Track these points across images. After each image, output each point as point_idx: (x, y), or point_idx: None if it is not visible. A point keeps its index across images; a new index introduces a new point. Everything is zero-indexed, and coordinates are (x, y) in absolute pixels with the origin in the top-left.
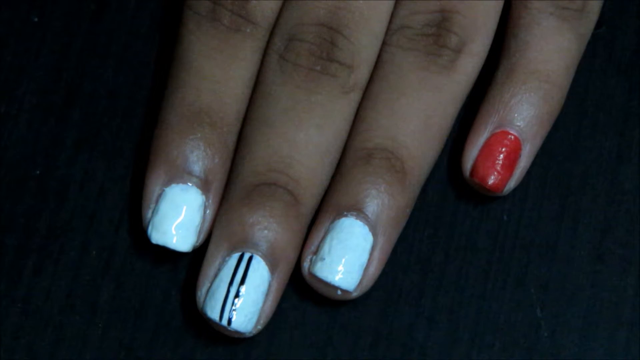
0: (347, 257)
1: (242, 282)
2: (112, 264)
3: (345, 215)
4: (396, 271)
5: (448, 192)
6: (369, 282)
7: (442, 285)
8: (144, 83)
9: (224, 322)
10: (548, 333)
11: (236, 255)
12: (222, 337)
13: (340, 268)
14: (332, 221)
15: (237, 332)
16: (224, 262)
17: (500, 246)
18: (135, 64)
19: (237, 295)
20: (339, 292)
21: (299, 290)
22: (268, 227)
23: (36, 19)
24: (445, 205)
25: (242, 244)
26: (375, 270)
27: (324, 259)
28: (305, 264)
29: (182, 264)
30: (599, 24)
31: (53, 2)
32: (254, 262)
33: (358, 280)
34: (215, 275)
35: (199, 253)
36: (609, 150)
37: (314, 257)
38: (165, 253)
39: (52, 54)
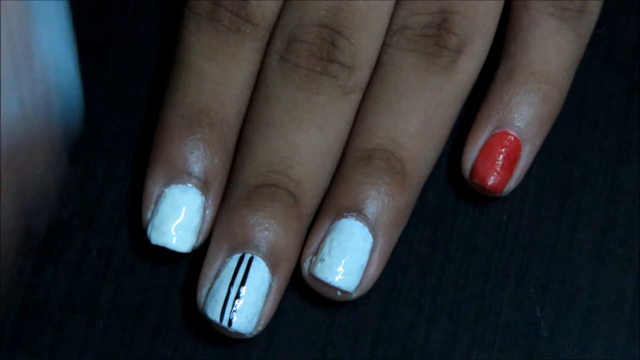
0: (347, 259)
1: (243, 283)
2: (112, 264)
3: (345, 216)
4: (396, 271)
5: (448, 192)
6: (368, 283)
7: (442, 285)
8: (144, 83)
9: (225, 323)
10: (548, 333)
11: (237, 257)
12: (222, 337)
13: (340, 269)
14: (332, 222)
15: (237, 333)
16: (224, 263)
17: (500, 246)
18: (135, 64)
19: (237, 297)
20: (339, 293)
21: (299, 290)
22: (269, 229)
23: None
24: (445, 205)
25: (243, 245)
26: (375, 272)
27: (324, 260)
28: (305, 265)
29: (182, 264)
30: (598, 24)
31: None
32: (254, 263)
33: (358, 282)
34: (216, 276)
35: (199, 253)
36: (609, 150)
37: (314, 258)
38: (165, 253)
39: None
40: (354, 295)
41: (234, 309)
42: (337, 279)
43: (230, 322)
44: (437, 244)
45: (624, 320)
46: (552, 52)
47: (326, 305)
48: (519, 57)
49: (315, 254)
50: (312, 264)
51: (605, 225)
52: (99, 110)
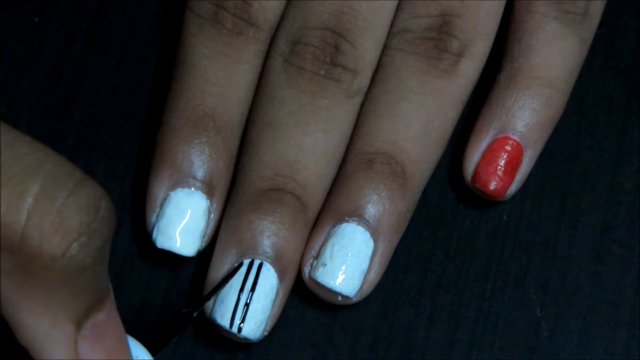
0: (349, 264)
1: (253, 289)
2: (112, 264)
3: (347, 221)
4: (396, 271)
5: (448, 192)
6: (369, 288)
7: (442, 285)
8: (144, 83)
9: (234, 329)
10: (548, 333)
11: (246, 262)
12: (222, 338)
13: (341, 274)
14: (333, 226)
15: (245, 339)
16: (232, 267)
17: (500, 246)
18: (135, 64)
19: (247, 303)
20: (339, 297)
21: (299, 291)
22: (277, 234)
23: (36, 19)
24: (445, 206)
25: (252, 251)
26: (375, 276)
27: (326, 264)
28: (306, 269)
29: (182, 264)
30: (599, 25)
31: (53, 2)
32: (264, 269)
33: (359, 286)
34: None
35: (200, 254)
36: (609, 150)
37: (315, 262)
38: (166, 254)
39: (52, 54)
40: (354, 300)
41: (244, 315)
42: (338, 283)
43: (240, 329)
44: (437, 244)
45: (624, 320)
46: (556, 56)
47: (326, 305)
48: (522, 61)
49: (316, 257)
50: (313, 268)
51: (605, 225)
52: (99, 110)
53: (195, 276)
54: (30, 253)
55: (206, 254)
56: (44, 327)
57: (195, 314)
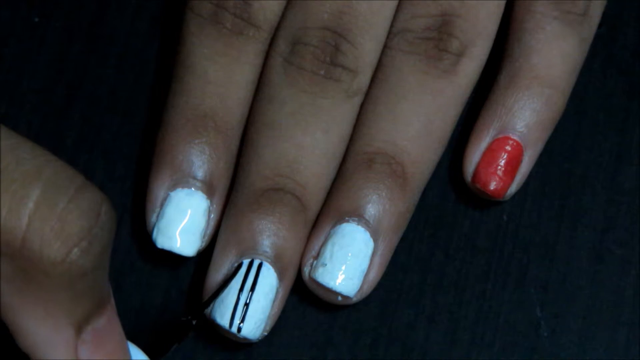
0: (349, 263)
1: (252, 289)
2: (112, 264)
3: (347, 221)
4: (396, 271)
5: (448, 192)
6: (369, 288)
7: (442, 285)
8: (144, 83)
9: (234, 329)
10: (548, 333)
11: (246, 262)
12: (222, 338)
13: (341, 274)
14: (333, 226)
15: (245, 338)
16: (232, 268)
17: (500, 246)
18: (135, 64)
19: (247, 303)
20: (339, 297)
21: (299, 291)
22: (277, 234)
23: (36, 19)
24: (445, 206)
25: (251, 251)
26: (375, 276)
27: (326, 264)
28: (306, 269)
29: (182, 263)
30: (599, 24)
31: (53, 2)
32: (263, 269)
33: (359, 286)
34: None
35: (200, 253)
36: (609, 150)
37: (315, 262)
38: (166, 254)
39: (52, 54)
40: (354, 300)
41: (244, 315)
42: (338, 283)
43: (239, 329)
44: (437, 244)
45: (624, 320)
46: (556, 56)
47: (326, 305)
48: (522, 61)
49: (316, 257)
50: (313, 268)
51: (605, 225)
52: (99, 110)
53: (195, 276)
54: (31, 258)
55: (206, 254)
56: (45, 332)
57: (194, 322)
